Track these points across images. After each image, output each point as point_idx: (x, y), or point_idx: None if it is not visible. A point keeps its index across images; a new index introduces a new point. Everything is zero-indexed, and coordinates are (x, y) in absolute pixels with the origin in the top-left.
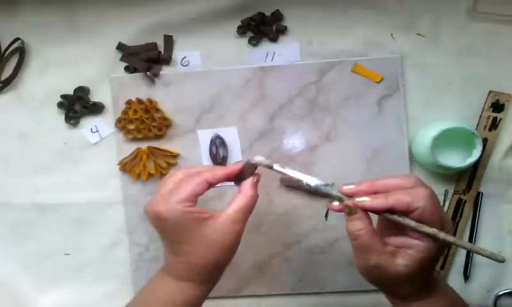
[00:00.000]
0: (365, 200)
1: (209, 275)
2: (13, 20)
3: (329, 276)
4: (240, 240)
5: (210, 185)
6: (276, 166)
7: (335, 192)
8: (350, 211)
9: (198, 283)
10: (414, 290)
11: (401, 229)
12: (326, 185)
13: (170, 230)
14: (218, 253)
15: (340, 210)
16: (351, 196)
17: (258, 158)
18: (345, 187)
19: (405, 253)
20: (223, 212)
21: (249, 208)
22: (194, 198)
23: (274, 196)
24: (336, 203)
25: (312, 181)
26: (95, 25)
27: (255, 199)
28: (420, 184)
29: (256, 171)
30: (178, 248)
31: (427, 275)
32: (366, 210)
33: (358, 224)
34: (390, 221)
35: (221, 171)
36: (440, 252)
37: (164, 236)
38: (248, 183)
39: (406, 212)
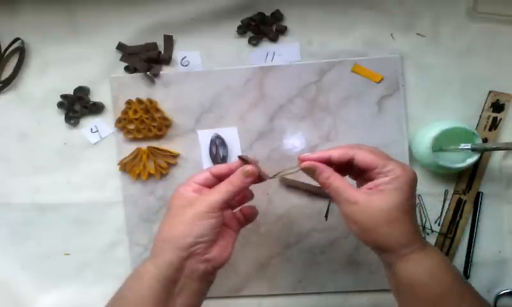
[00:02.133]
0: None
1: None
2: (13, 20)
3: (329, 276)
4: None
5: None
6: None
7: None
8: (309, 170)
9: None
10: (403, 238)
11: (366, 179)
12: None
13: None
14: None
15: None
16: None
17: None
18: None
19: (377, 190)
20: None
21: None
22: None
23: (274, 196)
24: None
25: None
26: (95, 25)
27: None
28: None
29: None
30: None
31: (410, 218)
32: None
33: (324, 174)
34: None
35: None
36: (410, 186)
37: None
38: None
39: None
